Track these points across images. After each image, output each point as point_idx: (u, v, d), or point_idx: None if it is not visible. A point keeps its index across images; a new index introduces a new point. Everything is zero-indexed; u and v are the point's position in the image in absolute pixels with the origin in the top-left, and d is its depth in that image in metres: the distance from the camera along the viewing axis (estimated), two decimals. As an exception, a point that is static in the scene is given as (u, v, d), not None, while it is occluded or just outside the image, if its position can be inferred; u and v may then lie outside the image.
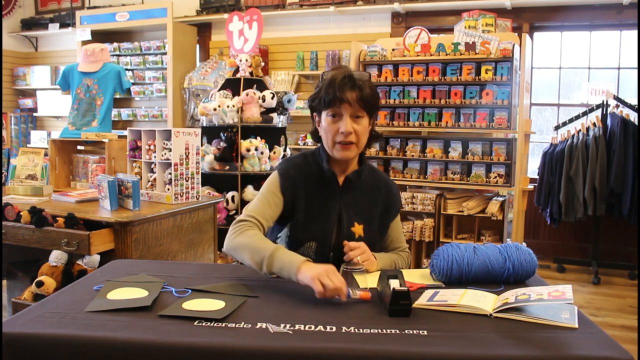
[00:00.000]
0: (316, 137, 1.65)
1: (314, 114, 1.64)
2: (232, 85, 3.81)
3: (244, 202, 3.72)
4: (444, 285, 1.43)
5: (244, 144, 3.65)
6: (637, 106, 4.17)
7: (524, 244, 1.54)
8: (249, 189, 3.72)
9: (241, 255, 1.47)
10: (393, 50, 4.16)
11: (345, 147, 1.55)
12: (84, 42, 5.52)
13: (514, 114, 3.80)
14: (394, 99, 4.07)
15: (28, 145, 6.25)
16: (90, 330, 1.10)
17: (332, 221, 1.59)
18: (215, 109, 3.63)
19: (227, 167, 3.70)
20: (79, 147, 3.78)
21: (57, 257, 2.15)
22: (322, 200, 1.61)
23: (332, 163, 1.62)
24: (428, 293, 1.32)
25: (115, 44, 5.70)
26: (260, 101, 3.69)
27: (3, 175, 3.15)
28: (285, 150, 3.97)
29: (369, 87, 1.55)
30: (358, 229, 1.61)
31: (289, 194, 1.59)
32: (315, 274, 1.27)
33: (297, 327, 1.12)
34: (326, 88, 1.53)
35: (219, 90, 3.80)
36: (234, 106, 3.65)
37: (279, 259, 1.38)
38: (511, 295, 1.23)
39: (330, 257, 1.58)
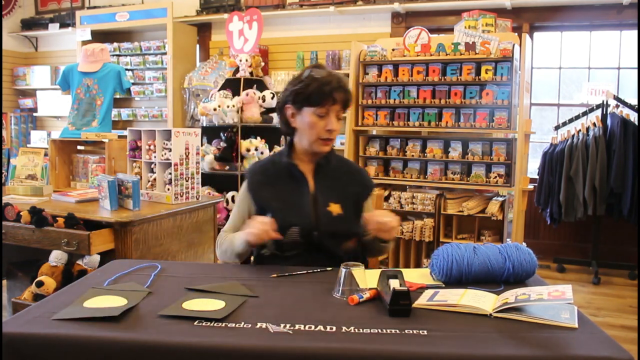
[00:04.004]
0: (288, 129, 1.77)
1: (287, 106, 1.73)
2: (232, 85, 3.81)
3: (244, 202, 3.72)
4: (444, 285, 1.43)
5: (244, 144, 3.65)
6: (637, 106, 4.17)
7: (524, 244, 1.54)
8: (249, 189, 3.71)
9: (227, 257, 1.74)
10: (393, 50, 4.16)
11: (327, 143, 1.71)
12: (84, 42, 5.52)
13: (514, 114, 3.80)
14: (394, 99, 4.06)
15: (28, 145, 6.25)
16: (90, 330, 1.10)
17: (306, 204, 1.71)
18: (215, 109, 3.63)
19: (227, 167, 3.70)
20: (79, 147, 3.78)
21: (57, 257, 2.15)
22: (292, 189, 1.74)
23: (301, 154, 1.76)
24: (428, 293, 1.32)
25: (115, 44, 5.70)
26: (260, 101, 3.69)
27: (3, 175, 3.15)
28: (285, 150, 3.97)
29: (349, 89, 1.72)
30: (334, 207, 1.71)
31: (255, 192, 1.75)
32: (246, 233, 1.59)
33: (297, 327, 1.12)
34: (319, 87, 1.64)
35: (219, 90, 3.80)
36: (234, 106, 3.65)
37: (235, 242, 1.66)
38: (511, 295, 1.23)
39: (315, 236, 1.67)
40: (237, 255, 1.69)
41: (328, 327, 1.12)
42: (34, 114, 6.53)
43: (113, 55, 5.62)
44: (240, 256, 1.70)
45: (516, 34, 3.95)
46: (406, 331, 1.10)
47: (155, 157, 2.54)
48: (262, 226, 1.55)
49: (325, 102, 1.64)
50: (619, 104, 4.21)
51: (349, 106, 1.74)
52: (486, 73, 3.78)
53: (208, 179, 3.72)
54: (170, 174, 2.48)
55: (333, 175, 1.78)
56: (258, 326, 1.12)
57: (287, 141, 1.81)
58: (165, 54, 5.52)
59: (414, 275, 1.51)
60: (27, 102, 6.60)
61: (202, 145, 3.70)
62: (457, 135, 4.06)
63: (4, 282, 2.75)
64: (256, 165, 1.85)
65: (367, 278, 1.34)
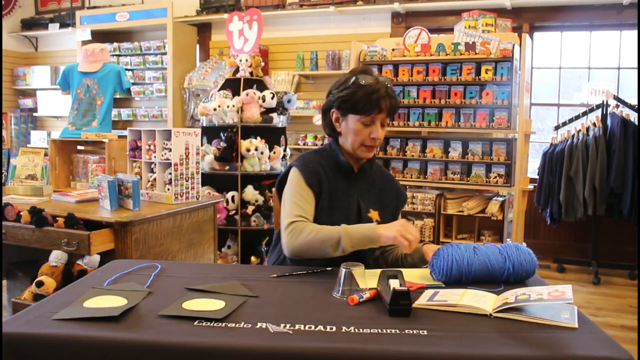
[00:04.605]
0: (332, 132, 1.74)
1: (332, 110, 1.70)
2: (232, 85, 3.80)
3: (244, 202, 3.72)
4: (444, 285, 1.43)
5: (244, 144, 3.65)
6: (637, 106, 4.17)
7: (524, 244, 1.54)
8: (249, 189, 3.72)
9: (312, 250, 1.54)
10: (393, 50, 4.16)
11: (371, 149, 1.69)
12: (84, 42, 5.52)
13: (514, 114, 3.80)
14: (394, 99, 4.06)
15: (28, 145, 6.25)
16: (90, 330, 1.10)
17: (352, 208, 1.70)
18: (215, 109, 3.63)
19: (227, 167, 3.70)
20: (79, 147, 3.78)
21: (57, 257, 2.15)
22: (342, 189, 1.70)
23: (346, 155, 1.73)
24: (428, 293, 1.32)
25: (115, 44, 5.70)
26: (260, 101, 3.69)
27: (3, 175, 3.15)
28: (285, 150, 3.97)
29: (395, 96, 1.68)
30: (374, 214, 1.72)
31: (315, 186, 1.65)
32: (397, 232, 1.48)
33: (297, 327, 1.12)
34: (365, 95, 1.60)
35: (219, 90, 3.80)
36: (234, 106, 3.65)
37: (355, 233, 1.52)
38: (511, 295, 1.23)
39: None
40: (331, 251, 1.52)
41: (328, 327, 1.12)
42: (34, 114, 6.53)
43: (113, 55, 5.62)
44: (343, 252, 1.52)
45: (516, 34, 3.95)
46: (406, 331, 1.10)
47: (155, 157, 2.54)
48: (418, 236, 1.50)
49: (371, 111, 1.61)
50: (619, 104, 4.21)
51: (395, 113, 1.71)
52: (486, 73, 3.78)
53: (208, 179, 3.72)
54: (170, 174, 2.48)
55: (372, 181, 1.78)
56: (258, 326, 1.12)
57: (333, 140, 1.75)
58: (165, 54, 5.53)
59: (414, 275, 1.51)
60: (27, 102, 6.60)
61: (202, 145, 3.70)
62: (457, 135, 4.06)
63: (4, 282, 2.75)
64: (307, 158, 1.71)
65: (367, 278, 1.34)
